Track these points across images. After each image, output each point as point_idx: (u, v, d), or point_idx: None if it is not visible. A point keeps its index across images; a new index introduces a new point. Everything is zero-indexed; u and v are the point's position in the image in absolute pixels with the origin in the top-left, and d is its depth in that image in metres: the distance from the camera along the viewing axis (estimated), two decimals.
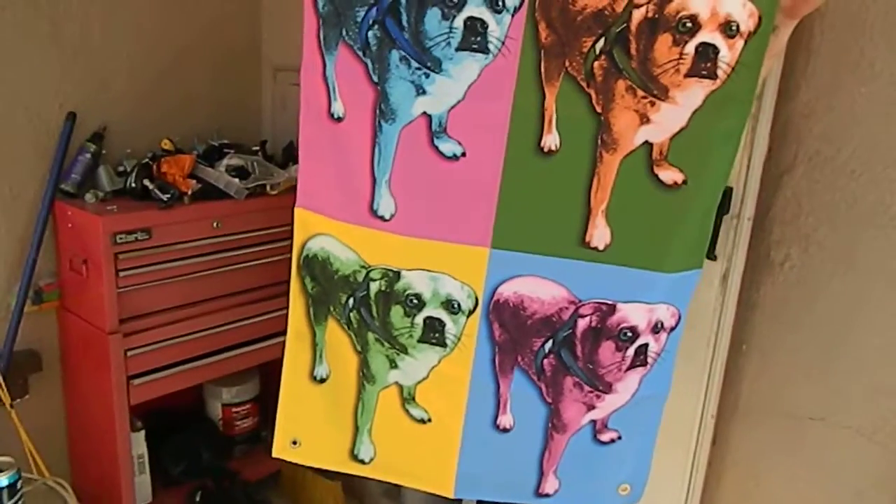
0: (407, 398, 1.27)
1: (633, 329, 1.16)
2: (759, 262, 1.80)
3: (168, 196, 2.12)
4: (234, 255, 2.30)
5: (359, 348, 1.26)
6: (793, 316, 1.77)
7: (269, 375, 2.61)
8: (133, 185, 2.18)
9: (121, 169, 2.25)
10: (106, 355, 2.09)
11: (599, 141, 1.11)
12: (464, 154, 1.14)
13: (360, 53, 1.13)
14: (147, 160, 2.26)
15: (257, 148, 2.52)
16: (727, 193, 1.73)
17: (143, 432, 2.28)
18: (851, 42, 1.57)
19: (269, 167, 2.39)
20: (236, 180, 2.25)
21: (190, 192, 2.17)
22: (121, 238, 2.03)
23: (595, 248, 1.15)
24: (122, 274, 2.06)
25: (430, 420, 1.27)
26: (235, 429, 2.63)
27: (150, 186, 2.15)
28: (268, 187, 2.32)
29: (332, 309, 1.26)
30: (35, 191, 2.21)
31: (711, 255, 1.76)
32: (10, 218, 2.20)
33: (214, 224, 2.22)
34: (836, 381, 1.70)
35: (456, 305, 1.19)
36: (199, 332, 2.26)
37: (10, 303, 2.21)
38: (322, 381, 1.30)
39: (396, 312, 1.21)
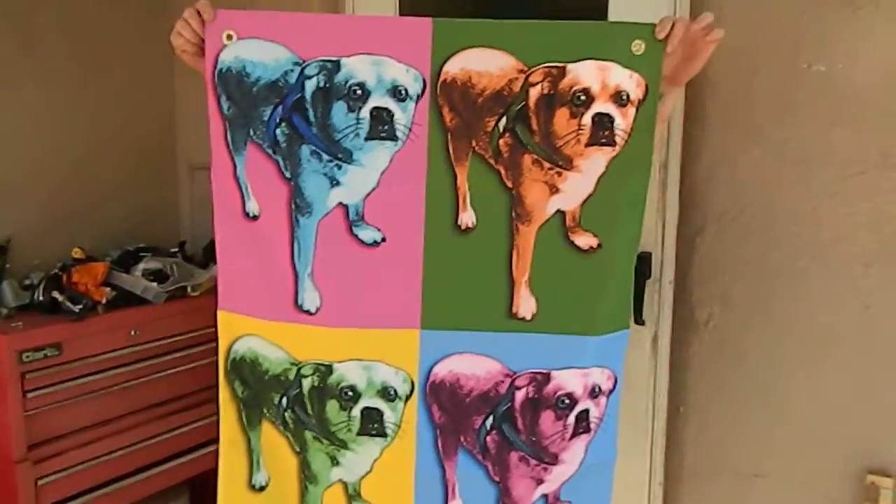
0: (353, 495, 1.22)
1: (570, 396, 1.16)
2: (685, 323, 1.85)
3: (80, 307, 2.02)
4: (155, 363, 2.19)
5: (297, 449, 1.22)
6: (723, 373, 1.82)
7: (199, 490, 2.43)
8: (41, 298, 2.07)
9: (27, 282, 2.14)
10: (14, 487, 1.91)
11: (514, 214, 1.15)
12: (384, 239, 1.15)
13: (270, 151, 1.15)
14: (56, 271, 2.15)
15: (176, 249, 2.46)
16: (647, 259, 1.80)
17: None
18: (741, 109, 1.70)
19: (189, 268, 2.33)
20: (154, 284, 2.18)
21: (104, 301, 2.08)
22: (27, 356, 1.91)
23: (523, 319, 1.17)
24: (29, 395, 1.93)
25: None
26: None
27: (60, 298, 2.04)
28: (188, 289, 2.26)
29: (265, 411, 1.22)
30: None
31: (640, 321, 1.80)
32: None
33: (132, 332, 2.12)
34: (772, 435, 1.75)
35: (392, 392, 1.18)
36: (120, 450, 2.11)
37: None
38: (262, 489, 1.25)
39: (332, 407, 1.18)
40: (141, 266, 2.24)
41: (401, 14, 1.96)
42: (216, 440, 1.24)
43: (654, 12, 1.21)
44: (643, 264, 1.78)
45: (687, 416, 1.86)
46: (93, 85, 2.45)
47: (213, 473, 1.25)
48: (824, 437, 1.67)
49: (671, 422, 1.85)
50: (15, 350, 1.89)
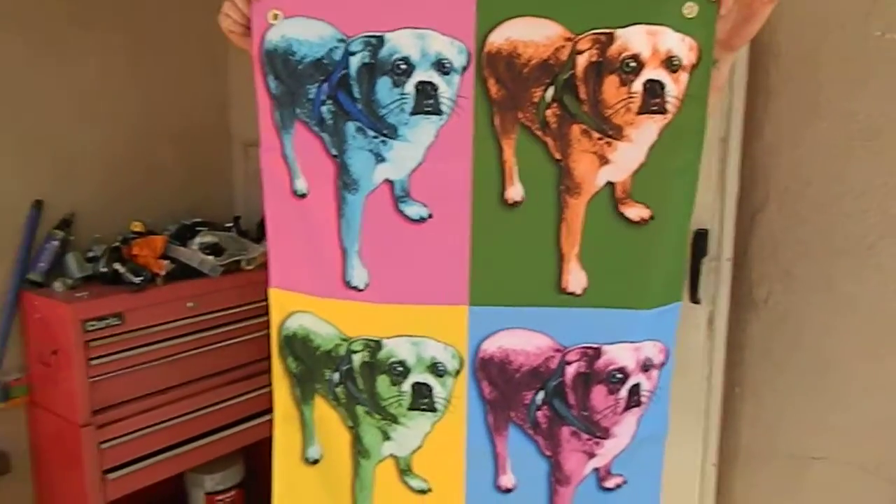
0: (404, 469, 1.23)
1: (622, 370, 1.14)
2: (742, 302, 1.80)
3: (140, 279, 2.10)
4: (211, 334, 2.27)
5: (349, 424, 1.23)
6: (781, 353, 1.76)
7: (253, 458, 2.52)
8: (103, 269, 2.17)
9: (90, 254, 2.23)
10: (78, 450, 2.02)
11: (562, 187, 1.12)
12: (430, 215, 1.15)
13: (317, 129, 1.15)
14: (117, 244, 2.26)
15: (230, 224, 2.53)
16: (704, 235, 1.75)
17: None
18: (807, 80, 1.63)
19: (243, 243, 2.39)
20: (210, 258, 2.24)
21: (163, 273, 2.15)
22: (91, 325, 2.00)
23: (573, 294, 1.15)
24: (93, 362, 2.03)
25: (430, 490, 1.22)
26: None
27: (121, 270, 2.13)
28: (243, 263, 2.32)
29: (318, 386, 1.24)
30: (0, 283, 2.18)
31: (695, 299, 1.76)
32: None
33: (189, 304, 2.20)
34: (833, 417, 1.69)
35: (441, 368, 1.17)
36: (177, 417, 2.20)
37: None
38: (315, 462, 1.26)
39: (383, 382, 1.19)
40: (197, 240, 2.32)
41: None
42: (270, 410, 1.26)
43: None
44: (700, 241, 1.74)
45: (743, 397, 1.82)
46: (150, 64, 2.55)
47: (266, 442, 1.27)
48: (886, 420, 1.60)
49: (726, 402, 1.81)
50: (80, 319, 1.99)
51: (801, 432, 1.74)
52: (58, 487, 2.19)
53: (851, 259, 1.63)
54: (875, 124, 1.56)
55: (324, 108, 1.14)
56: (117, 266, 2.15)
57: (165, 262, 2.20)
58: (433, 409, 1.18)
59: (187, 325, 2.21)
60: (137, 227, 2.35)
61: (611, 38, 1.07)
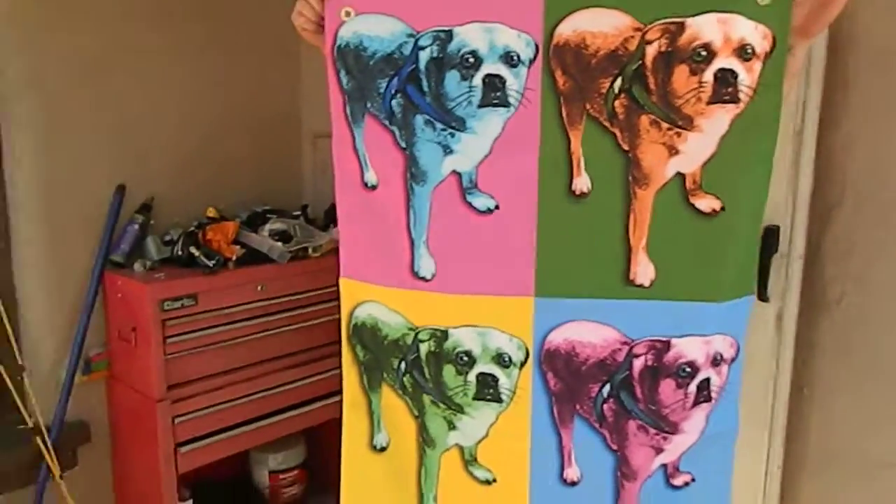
0: (469, 460, 1.23)
1: (691, 364, 1.12)
2: (814, 301, 1.75)
3: (213, 262, 2.19)
4: (279, 318, 2.34)
5: (416, 413, 1.25)
6: (855, 356, 1.70)
7: (315, 440, 2.59)
8: (179, 253, 2.27)
9: (168, 238, 2.35)
10: (154, 423, 2.11)
11: (630, 178, 1.12)
12: (497, 207, 1.15)
13: (387, 122, 1.18)
14: (193, 228, 2.37)
15: (299, 212, 2.61)
16: (774, 232, 1.71)
17: (190, 502, 2.27)
18: (889, 72, 1.57)
19: (310, 230, 2.46)
20: (279, 244, 2.31)
21: (234, 258, 2.24)
22: (168, 305, 2.10)
23: (641, 286, 1.13)
24: (169, 341, 2.12)
25: (495, 480, 1.23)
26: (282, 496, 2.57)
27: (196, 253, 2.23)
28: (310, 250, 2.38)
29: (385, 375, 1.26)
30: (85, 263, 2.32)
31: (764, 297, 1.72)
32: (62, 290, 2.30)
33: (259, 288, 2.28)
34: None
35: (507, 359, 1.18)
36: (246, 397, 2.28)
37: (61, 374, 2.26)
38: (382, 449, 1.28)
39: (448, 372, 1.20)
40: (267, 227, 2.40)
41: None
42: (334, 393, 1.30)
43: None
44: (770, 237, 1.70)
45: (812, 399, 1.76)
46: (223, 57, 2.65)
47: (329, 425, 1.30)
48: None
49: (794, 404, 1.76)
50: (157, 299, 2.09)
51: (873, 437, 1.67)
52: (134, 458, 2.31)
53: None
54: None
55: (393, 102, 1.16)
56: (192, 249, 2.26)
57: (237, 248, 2.29)
58: (498, 400, 1.19)
59: (257, 308, 2.29)
60: (212, 213, 2.45)
61: (681, 27, 1.05)
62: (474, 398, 1.19)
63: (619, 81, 1.09)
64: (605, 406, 1.17)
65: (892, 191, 1.60)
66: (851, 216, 1.67)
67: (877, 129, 1.61)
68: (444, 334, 1.19)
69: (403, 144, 1.18)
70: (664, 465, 1.18)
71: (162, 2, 2.46)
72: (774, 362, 1.73)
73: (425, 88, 1.15)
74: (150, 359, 2.11)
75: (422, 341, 1.21)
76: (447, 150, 1.16)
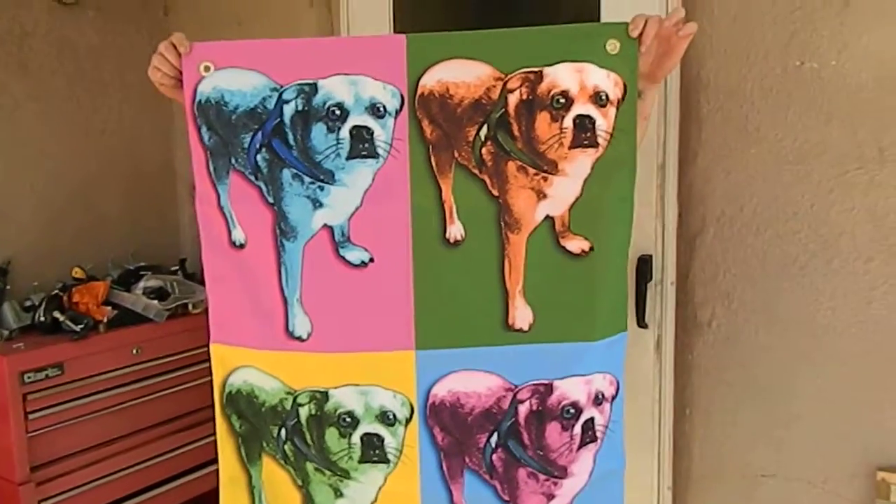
0: None
1: (574, 405, 1.13)
2: (688, 325, 1.83)
3: (81, 326, 2.02)
4: (157, 381, 2.18)
5: (300, 482, 1.19)
6: (727, 374, 1.79)
7: None
8: (42, 319, 2.08)
9: (28, 303, 2.15)
10: None
11: (502, 223, 1.13)
12: (372, 260, 1.13)
13: (252, 178, 1.14)
14: (57, 291, 2.17)
15: (176, 267, 2.46)
16: (648, 261, 1.77)
17: None
18: (735, 109, 1.69)
19: (190, 285, 2.33)
20: (155, 302, 2.17)
21: (105, 320, 2.08)
22: (29, 377, 1.92)
23: (520, 330, 1.14)
24: (31, 416, 1.94)
25: None
26: None
27: (61, 318, 2.05)
28: (190, 306, 2.25)
29: (265, 445, 1.19)
30: None
31: (642, 323, 1.77)
32: None
33: (134, 350, 2.12)
34: (779, 435, 1.72)
35: (391, 416, 1.15)
36: (122, 470, 2.10)
37: None
38: None
39: (331, 435, 1.15)
40: (141, 284, 2.25)
41: (394, 26, 1.95)
42: (217, 460, 1.21)
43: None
44: (644, 267, 1.76)
45: (693, 419, 1.83)
46: (91, 107, 2.50)
47: (215, 493, 1.22)
48: (832, 435, 1.64)
49: (678, 425, 1.82)
50: (17, 371, 1.91)
51: (751, 451, 1.76)
52: None
53: (787, 278, 1.67)
54: (800, 149, 1.62)
55: (259, 157, 1.13)
56: (57, 314, 2.08)
57: (108, 309, 2.13)
58: (385, 461, 1.15)
59: (131, 373, 2.14)
60: (78, 273, 2.27)
61: (540, 76, 1.08)
62: (360, 461, 1.15)
63: (484, 129, 1.11)
64: (495, 456, 1.15)
65: (747, 214, 1.71)
66: (714, 242, 1.77)
67: (729, 162, 1.72)
68: (325, 396, 1.15)
69: (271, 200, 1.14)
70: None
71: (20, 44, 2.31)
72: (657, 386, 1.79)
73: (291, 142, 1.12)
74: (9, 438, 1.92)
75: (301, 405, 1.15)
76: (317, 204, 1.13)
